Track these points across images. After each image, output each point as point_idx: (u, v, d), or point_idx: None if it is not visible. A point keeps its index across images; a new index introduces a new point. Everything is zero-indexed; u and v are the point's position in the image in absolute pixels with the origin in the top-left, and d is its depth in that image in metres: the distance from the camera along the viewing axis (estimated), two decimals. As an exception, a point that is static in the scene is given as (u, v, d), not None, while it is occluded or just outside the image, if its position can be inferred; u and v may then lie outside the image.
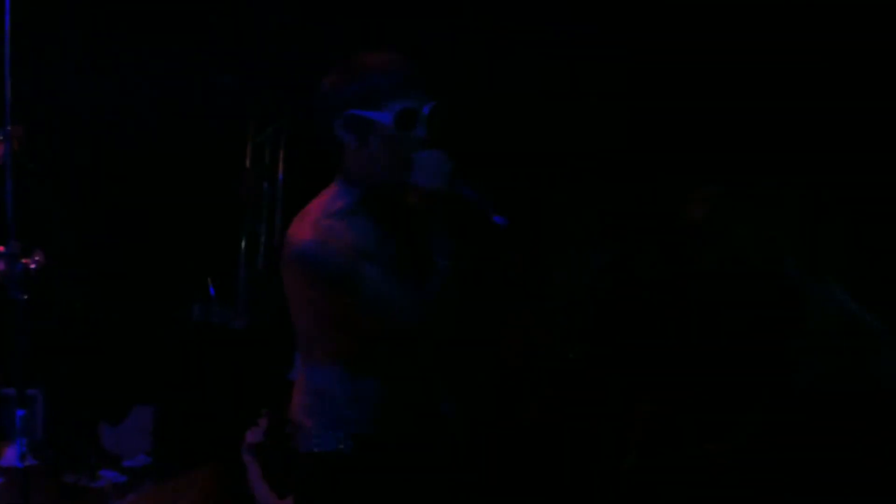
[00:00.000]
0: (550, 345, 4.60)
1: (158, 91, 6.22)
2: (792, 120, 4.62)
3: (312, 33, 5.68)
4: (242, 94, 6.48)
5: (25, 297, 3.62)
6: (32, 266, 4.22)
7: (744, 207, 3.61)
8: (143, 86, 6.20)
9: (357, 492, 2.32)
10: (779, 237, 3.46)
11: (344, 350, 2.32)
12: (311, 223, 2.28)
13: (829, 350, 3.20)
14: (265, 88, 6.52)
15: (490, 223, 2.26)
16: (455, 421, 2.47)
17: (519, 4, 5.21)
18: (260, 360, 5.64)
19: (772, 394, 3.24)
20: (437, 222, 2.32)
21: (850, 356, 3.18)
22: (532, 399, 4.37)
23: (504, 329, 4.67)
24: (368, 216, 2.33)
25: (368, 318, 2.25)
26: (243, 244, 6.81)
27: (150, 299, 6.26)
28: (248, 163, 6.81)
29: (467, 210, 2.30)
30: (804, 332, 3.23)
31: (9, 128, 3.61)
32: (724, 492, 3.31)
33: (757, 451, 3.23)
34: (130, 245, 6.22)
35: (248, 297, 6.55)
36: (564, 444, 4.12)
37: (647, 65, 5.19)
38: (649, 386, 3.80)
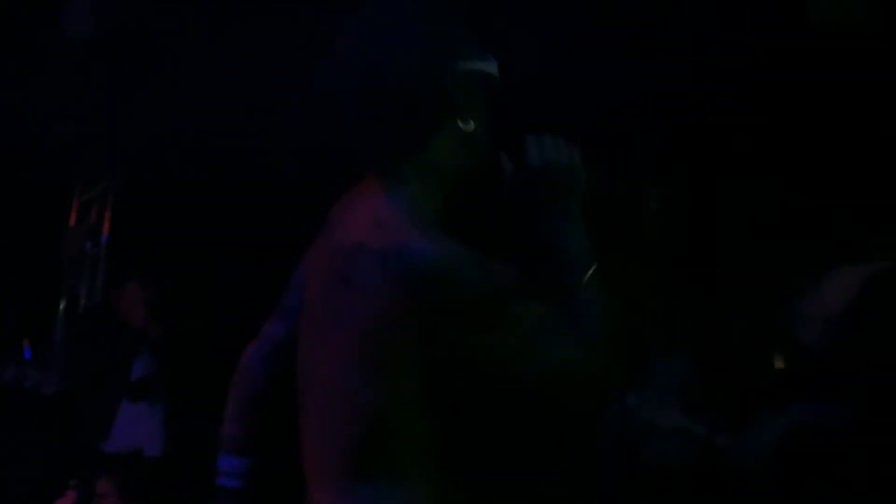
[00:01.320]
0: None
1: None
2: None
3: (146, 90, 5.61)
4: (73, 148, 6.32)
5: None
6: None
7: None
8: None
9: None
10: None
11: (438, 449, 1.51)
12: (415, 227, 1.50)
13: None
14: (97, 143, 6.38)
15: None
16: None
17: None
18: (70, 429, 5.41)
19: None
20: (567, 223, 1.61)
21: None
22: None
23: None
24: (463, 226, 1.60)
25: (527, 366, 1.47)
26: (62, 305, 6.59)
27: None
28: (72, 220, 6.63)
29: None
30: None
31: None
32: None
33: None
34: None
35: (63, 361, 6.30)
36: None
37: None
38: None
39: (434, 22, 1.58)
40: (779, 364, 4.55)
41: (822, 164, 5.36)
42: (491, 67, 1.61)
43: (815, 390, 3.87)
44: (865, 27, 4.78)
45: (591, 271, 1.55)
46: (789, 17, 4.84)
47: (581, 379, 1.49)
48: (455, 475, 1.49)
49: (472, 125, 1.57)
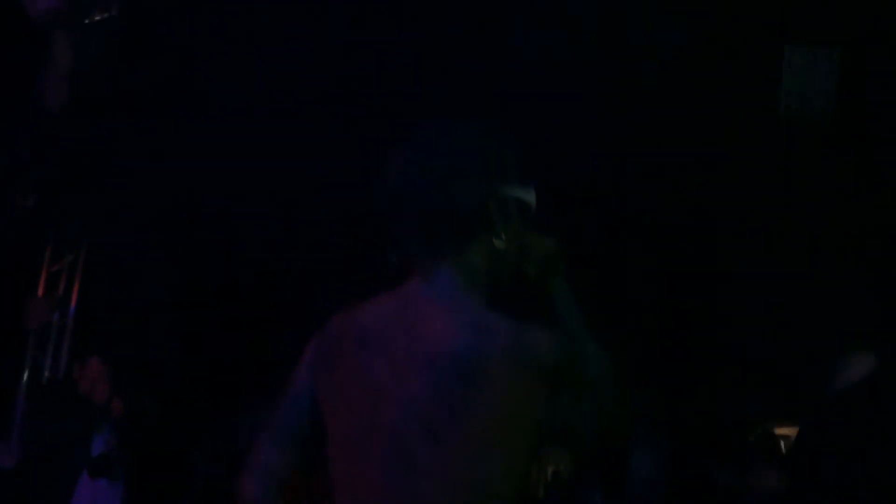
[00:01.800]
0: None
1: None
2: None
3: (120, 163, 5.64)
4: (42, 218, 6.31)
5: None
6: None
7: None
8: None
9: None
10: None
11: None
12: (507, 321, 1.78)
13: None
14: (67, 214, 6.38)
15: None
16: None
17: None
18: (28, 502, 5.33)
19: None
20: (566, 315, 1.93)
21: None
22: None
23: None
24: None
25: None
26: (25, 376, 6.51)
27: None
28: (40, 291, 6.59)
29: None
30: None
31: None
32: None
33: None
34: None
35: (23, 433, 6.19)
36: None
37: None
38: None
39: (484, 151, 1.84)
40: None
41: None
42: (529, 196, 1.88)
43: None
44: (826, 119, 5.01)
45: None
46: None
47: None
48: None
49: (503, 242, 1.83)
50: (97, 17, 4.81)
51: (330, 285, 7.76)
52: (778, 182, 5.81)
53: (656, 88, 5.17)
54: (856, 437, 2.23)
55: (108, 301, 6.82)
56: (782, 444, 4.87)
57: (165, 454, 6.13)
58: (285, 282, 7.78)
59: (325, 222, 7.00)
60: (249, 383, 7.37)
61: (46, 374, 6.57)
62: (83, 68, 4.81)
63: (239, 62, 5.15)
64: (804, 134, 5.28)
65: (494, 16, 5.22)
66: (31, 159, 5.64)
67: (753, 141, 5.55)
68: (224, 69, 5.17)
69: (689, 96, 5.27)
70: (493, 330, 1.74)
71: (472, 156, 1.84)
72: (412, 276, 1.88)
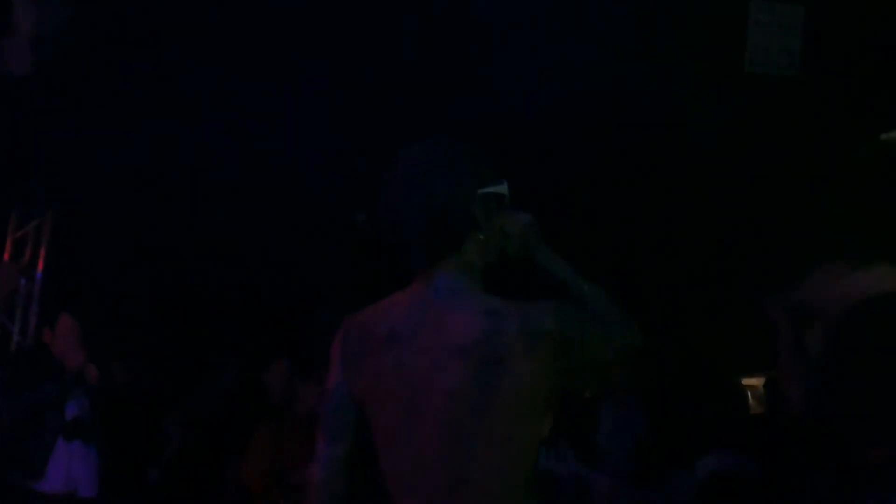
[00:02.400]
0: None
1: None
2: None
3: (84, 129, 5.61)
4: (6, 184, 6.28)
5: None
6: None
7: None
8: None
9: None
10: None
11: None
12: (515, 304, 2.11)
13: None
14: (32, 179, 6.35)
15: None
16: None
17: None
18: (3, 468, 5.33)
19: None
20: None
21: None
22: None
23: None
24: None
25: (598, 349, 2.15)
26: (-7, 342, 6.52)
27: None
28: (6, 257, 6.58)
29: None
30: None
31: None
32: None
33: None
34: None
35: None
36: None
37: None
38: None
39: (464, 161, 2.17)
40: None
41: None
42: (503, 188, 2.21)
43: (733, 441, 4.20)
44: (792, 74, 5.08)
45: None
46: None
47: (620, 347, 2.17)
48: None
49: (489, 234, 2.18)
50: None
51: (289, 252, 7.81)
52: (743, 135, 5.91)
53: (622, 46, 5.21)
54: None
55: (77, 265, 6.82)
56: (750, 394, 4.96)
57: (138, 418, 6.15)
58: (253, 246, 7.80)
59: (286, 194, 7.03)
60: (221, 348, 7.41)
61: (16, 339, 6.59)
62: (47, 34, 4.77)
63: (208, 32, 5.12)
64: (769, 88, 5.35)
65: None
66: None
67: (719, 95, 5.63)
68: (192, 37, 5.13)
69: (655, 52, 5.32)
70: (504, 313, 2.06)
71: (456, 167, 2.16)
72: (418, 279, 2.20)
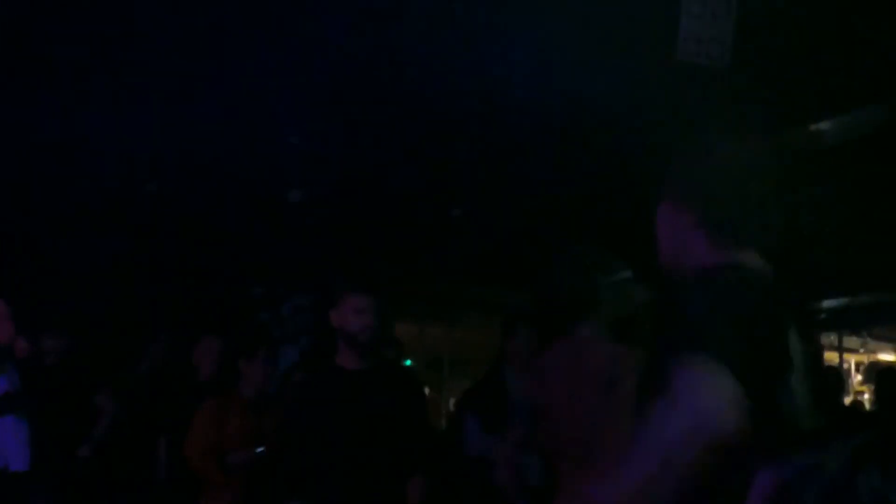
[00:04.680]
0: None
1: None
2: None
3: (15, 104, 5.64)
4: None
5: None
6: None
7: None
8: None
9: None
10: None
11: None
12: None
13: None
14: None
15: None
16: None
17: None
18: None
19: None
20: None
21: None
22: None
23: None
24: None
25: None
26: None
27: None
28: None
29: None
30: None
31: None
32: None
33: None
34: None
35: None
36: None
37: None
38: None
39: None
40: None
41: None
42: None
43: None
44: (723, 65, 5.25)
45: None
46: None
47: None
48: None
49: None
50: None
51: (223, 227, 7.88)
52: (676, 126, 6.09)
53: (556, 36, 5.33)
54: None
55: (5, 239, 6.83)
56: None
57: (68, 392, 6.22)
58: (186, 221, 7.85)
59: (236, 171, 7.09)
60: (152, 323, 7.48)
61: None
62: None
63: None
64: (701, 78, 5.52)
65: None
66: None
67: (651, 84, 5.79)
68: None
69: (589, 41, 5.44)
70: None
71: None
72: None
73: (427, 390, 11.90)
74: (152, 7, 5.05)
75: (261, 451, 5.13)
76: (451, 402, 11.46)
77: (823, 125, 6.61)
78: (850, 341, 11.41)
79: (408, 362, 10.48)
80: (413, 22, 5.21)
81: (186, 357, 6.45)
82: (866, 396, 11.11)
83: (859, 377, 11.92)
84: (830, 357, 10.82)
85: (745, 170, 2.21)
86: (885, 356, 11.89)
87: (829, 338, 10.81)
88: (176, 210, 7.63)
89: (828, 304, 9.10)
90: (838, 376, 8.08)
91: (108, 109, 5.89)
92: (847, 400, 10.06)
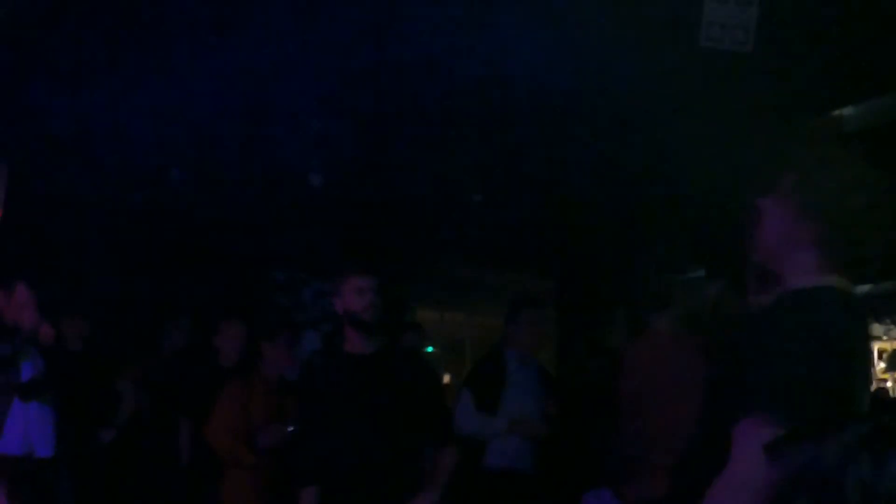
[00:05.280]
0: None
1: None
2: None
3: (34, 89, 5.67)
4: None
5: None
6: None
7: None
8: None
9: None
10: None
11: None
12: None
13: None
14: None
15: None
16: None
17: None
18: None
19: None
20: None
21: None
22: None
23: None
24: None
25: None
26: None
27: None
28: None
29: None
30: None
31: None
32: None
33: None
34: None
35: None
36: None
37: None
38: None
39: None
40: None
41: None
42: None
43: None
44: (745, 50, 5.25)
45: None
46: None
47: None
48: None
49: None
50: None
51: (244, 213, 7.91)
52: (698, 109, 6.09)
53: (582, 21, 5.33)
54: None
55: (31, 229, 6.87)
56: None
57: (91, 378, 6.26)
58: (208, 208, 7.89)
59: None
60: (174, 308, 7.52)
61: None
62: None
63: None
64: (724, 63, 5.52)
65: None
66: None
67: (675, 69, 5.79)
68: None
69: (614, 27, 5.44)
70: None
71: None
72: None
73: (448, 377, 11.96)
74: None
75: (291, 429, 5.16)
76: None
77: (847, 111, 6.60)
78: (874, 328, 11.36)
79: (429, 348, 10.52)
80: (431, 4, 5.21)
81: (208, 341, 6.49)
82: (889, 384, 11.06)
83: (882, 365, 11.85)
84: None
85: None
86: (909, 344, 11.84)
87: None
88: (198, 196, 7.66)
89: (851, 290, 9.07)
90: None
91: (134, 98, 5.91)
92: (871, 388, 10.02)
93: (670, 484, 2.51)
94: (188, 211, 7.97)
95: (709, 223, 6.68)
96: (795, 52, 5.54)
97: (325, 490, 4.08)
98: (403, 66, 5.79)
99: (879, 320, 11.22)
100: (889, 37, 5.27)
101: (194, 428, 5.94)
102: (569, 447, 5.79)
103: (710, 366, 2.89)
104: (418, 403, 4.12)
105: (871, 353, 2.06)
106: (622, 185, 7.55)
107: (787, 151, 2.38)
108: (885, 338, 11.78)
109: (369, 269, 4.16)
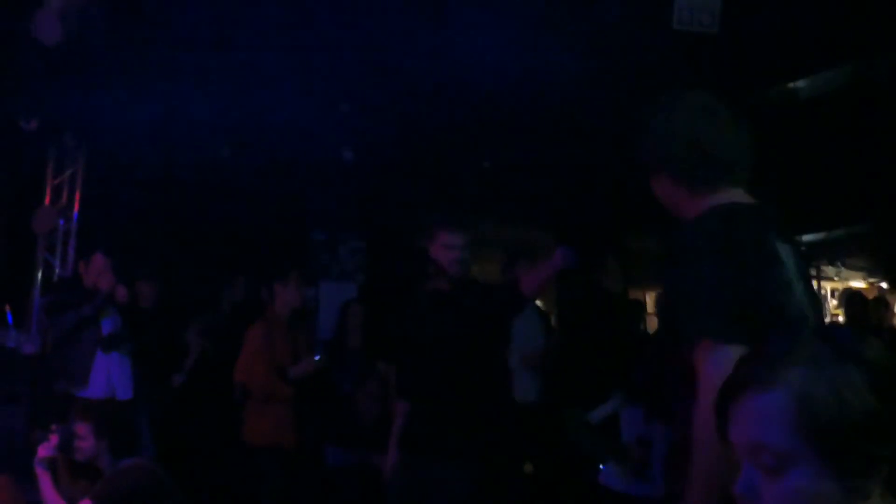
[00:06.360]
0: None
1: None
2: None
3: (107, 90, 5.63)
4: (44, 138, 6.32)
5: None
6: None
7: None
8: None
9: None
10: None
11: None
12: None
13: None
14: (65, 136, 6.40)
15: None
16: None
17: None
18: (50, 381, 5.47)
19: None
20: None
21: None
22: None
23: None
24: None
25: None
26: (39, 275, 6.60)
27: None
28: (47, 200, 6.64)
29: None
30: None
31: None
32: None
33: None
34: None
35: (41, 323, 6.31)
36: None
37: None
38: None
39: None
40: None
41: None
42: None
43: None
44: (713, 30, 5.14)
45: None
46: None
47: None
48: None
49: None
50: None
51: (286, 185, 7.88)
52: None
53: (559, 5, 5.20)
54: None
55: (106, 206, 6.88)
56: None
57: (162, 331, 6.28)
58: (255, 182, 7.86)
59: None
60: (230, 267, 7.52)
61: (57, 271, 6.68)
62: (72, 9, 4.78)
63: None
64: (695, 45, 5.40)
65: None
66: (32, 88, 5.63)
67: (647, 50, 5.66)
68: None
69: (589, 10, 5.31)
70: None
71: None
72: None
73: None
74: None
75: (318, 359, 5.07)
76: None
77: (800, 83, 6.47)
78: (826, 270, 11.27)
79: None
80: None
81: (260, 296, 6.48)
82: (840, 319, 11.01)
83: (834, 302, 11.79)
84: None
85: (688, 119, 2.08)
86: (857, 283, 11.75)
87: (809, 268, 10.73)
88: (248, 172, 7.63)
89: (807, 238, 8.99)
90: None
91: (196, 90, 5.87)
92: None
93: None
94: (241, 186, 7.94)
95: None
96: (755, 31, 5.42)
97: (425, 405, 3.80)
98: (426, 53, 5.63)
99: (833, 263, 11.14)
100: (834, 16, 5.15)
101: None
102: (571, 379, 5.71)
103: None
104: (492, 329, 3.84)
105: (784, 259, 1.78)
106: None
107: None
108: (836, 278, 11.71)
109: (458, 225, 3.82)
